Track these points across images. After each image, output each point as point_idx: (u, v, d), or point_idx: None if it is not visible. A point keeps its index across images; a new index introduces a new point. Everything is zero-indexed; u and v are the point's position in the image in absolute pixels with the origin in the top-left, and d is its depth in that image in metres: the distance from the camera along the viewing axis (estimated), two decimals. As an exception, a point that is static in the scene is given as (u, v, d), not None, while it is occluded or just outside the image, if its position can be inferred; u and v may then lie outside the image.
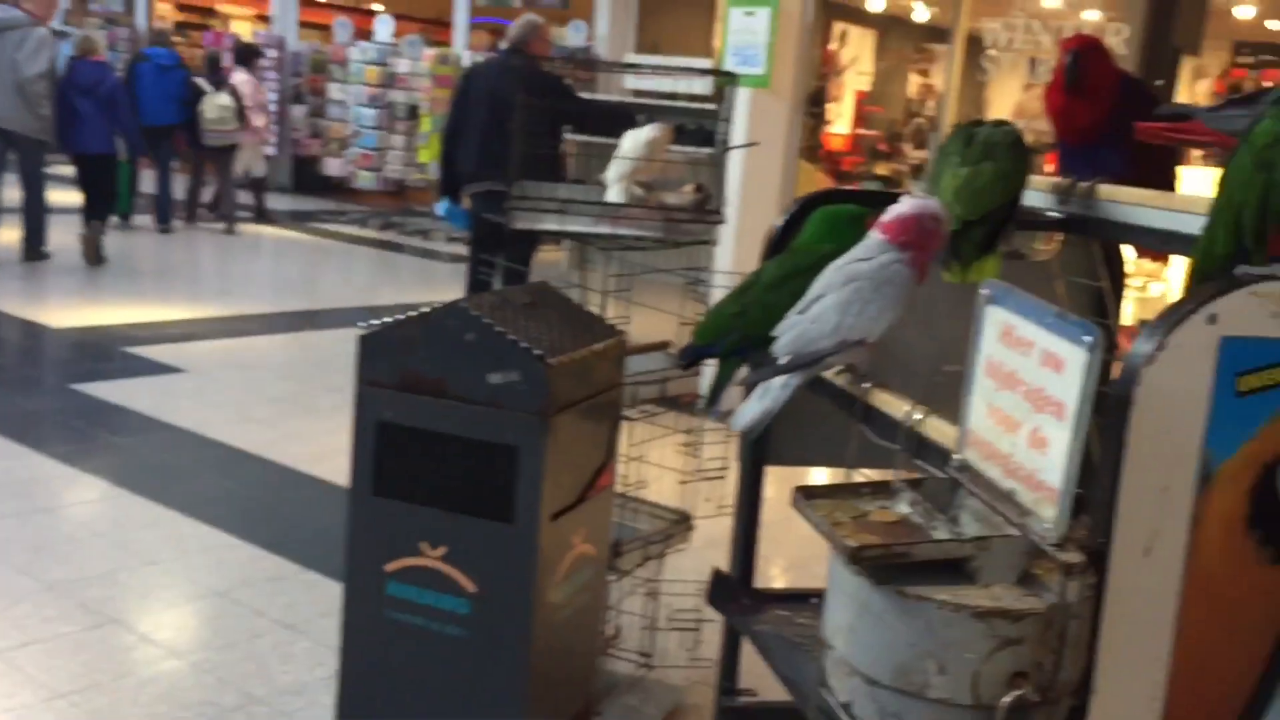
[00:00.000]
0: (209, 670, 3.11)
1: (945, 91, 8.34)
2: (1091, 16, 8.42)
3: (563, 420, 2.53)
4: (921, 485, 1.25)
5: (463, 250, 7.16)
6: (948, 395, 2.05)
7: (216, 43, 14.30)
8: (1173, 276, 5.54)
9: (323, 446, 5.06)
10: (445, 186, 5.96)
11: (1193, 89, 9.89)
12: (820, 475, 4.07)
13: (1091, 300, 1.89)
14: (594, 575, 2.82)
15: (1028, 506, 0.94)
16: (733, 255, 5.33)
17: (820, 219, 1.67)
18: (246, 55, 12.01)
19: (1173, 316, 0.98)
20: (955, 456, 1.03)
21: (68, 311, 7.35)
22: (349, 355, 2.62)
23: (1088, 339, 0.87)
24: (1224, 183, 1.11)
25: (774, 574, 4.15)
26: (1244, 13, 13.38)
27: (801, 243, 1.68)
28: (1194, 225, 1.55)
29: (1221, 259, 1.06)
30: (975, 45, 9.00)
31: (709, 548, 3.21)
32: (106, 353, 6.47)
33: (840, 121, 16.25)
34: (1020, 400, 0.95)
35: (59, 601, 3.42)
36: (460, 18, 13.57)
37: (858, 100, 16.81)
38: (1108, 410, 0.96)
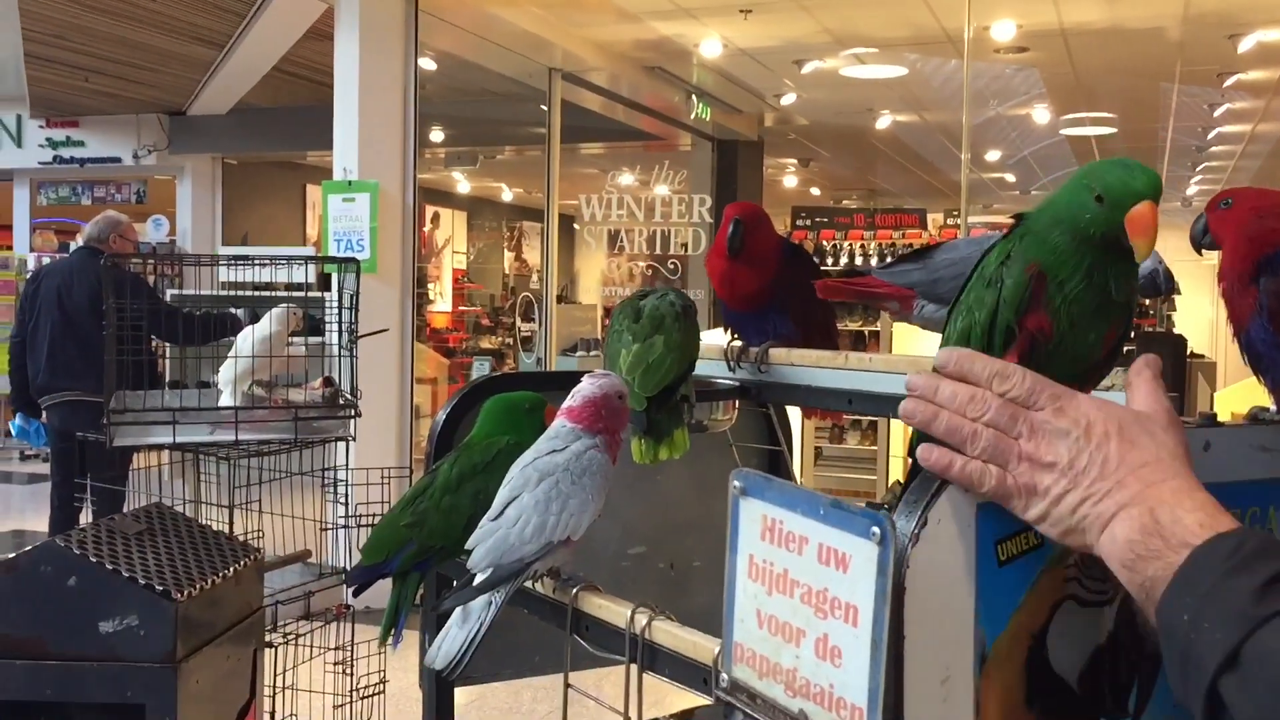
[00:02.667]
0: None
1: (544, 266, 8.60)
2: (663, 191, 9.08)
3: (196, 663, 2.18)
4: (694, 716, 1.12)
5: (42, 469, 6.36)
6: (637, 578, 1.95)
7: None
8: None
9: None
10: (18, 400, 5.33)
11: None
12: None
13: (763, 463, 1.88)
14: (247, 839, 2.42)
15: (827, 729, 0.83)
16: (357, 447, 5.06)
17: (494, 409, 1.53)
18: None
19: (928, 487, 0.91)
20: (723, 675, 0.90)
21: None
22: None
23: (876, 530, 0.77)
24: (955, 313, 1.16)
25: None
26: (790, 182, 15.09)
27: (476, 435, 1.52)
28: (866, 382, 1.56)
29: None
30: (565, 221, 9.43)
31: (375, 775, 2.89)
32: None
33: (441, 300, 16.43)
34: (799, 605, 0.83)
35: None
36: (21, 219, 12.45)
37: (456, 278, 17.11)
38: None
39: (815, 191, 16.29)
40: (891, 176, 14.44)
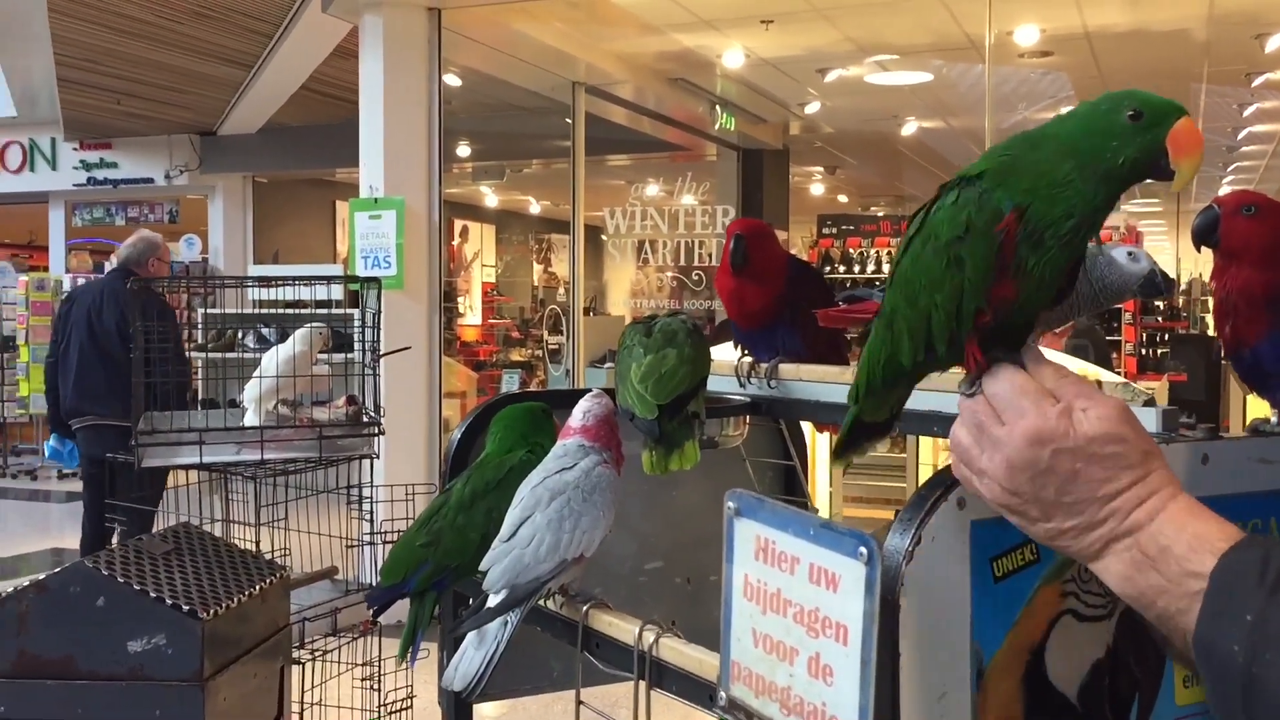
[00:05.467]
0: None
1: (572, 278, 8.63)
2: (691, 201, 9.10)
3: (223, 681, 2.21)
4: None
5: (80, 488, 6.44)
6: (654, 593, 1.96)
7: None
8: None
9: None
10: (53, 421, 5.38)
11: (789, 259, 10.84)
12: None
13: (778, 479, 1.88)
14: None
15: (817, 743, 0.83)
16: (386, 464, 5.10)
17: (504, 422, 1.55)
18: None
19: (922, 505, 0.92)
20: (721, 693, 0.91)
21: None
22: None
23: (863, 550, 0.78)
24: (901, 284, 0.96)
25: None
26: (817, 190, 15.06)
27: (490, 454, 1.55)
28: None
29: (908, 369, 0.97)
30: (592, 232, 9.46)
31: (404, 789, 2.91)
32: None
33: (471, 313, 16.52)
34: (792, 624, 0.84)
35: None
36: (56, 240, 12.64)
37: (485, 292, 17.21)
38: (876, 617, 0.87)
39: (843, 199, 16.27)
40: (918, 182, 14.39)
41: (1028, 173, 0.90)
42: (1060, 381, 0.88)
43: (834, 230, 10.07)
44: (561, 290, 16.63)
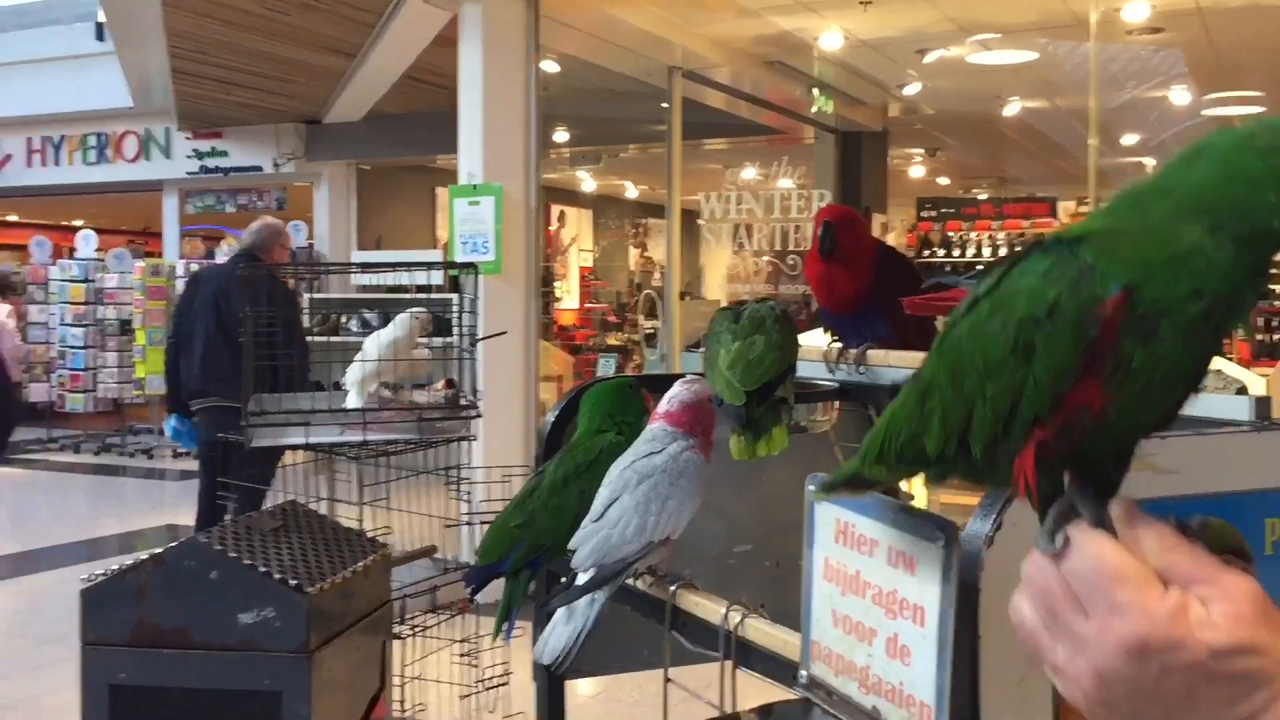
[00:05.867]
0: None
1: (668, 263, 8.66)
2: (788, 184, 9.05)
3: (328, 653, 2.29)
4: (773, 713, 1.16)
5: (193, 466, 6.68)
6: (743, 576, 1.98)
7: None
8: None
9: (45, 710, 4.45)
10: (171, 402, 5.57)
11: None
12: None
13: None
14: (379, 822, 2.53)
15: (896, 724, 0.85)
16: (484, 446, 5.20)
17: (595, 399, 1.59)
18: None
19: (1005, 490, 0.92)
20: (803, 672, 0.93)
21: None
22: (70, 598, 2.29)
23: (940, 534, 0.79)
24: (950, 351, 0.75)
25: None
26: (917, 173, 14.84)
27: (581, 435, 1.59)
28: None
29: (931, 459, 0.77)
30: (689, 217, 9.48)
31: (498, 762, 2.98)
32: None
33: (569, 297, 16.67)
34: (870, 605, 0.86)
35: None
36: (170, 227, 13.10)
37: (583, 276, 17.35)
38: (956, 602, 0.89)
39: (943, 181, 16.00)
40: (1022, 164, 14.08)
41: (1139, 238, 0.68)
42: (1168, 555, 0.64)
43: (933, 213, 9.93)
44: (657, 275, 16.69)
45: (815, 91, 9.47)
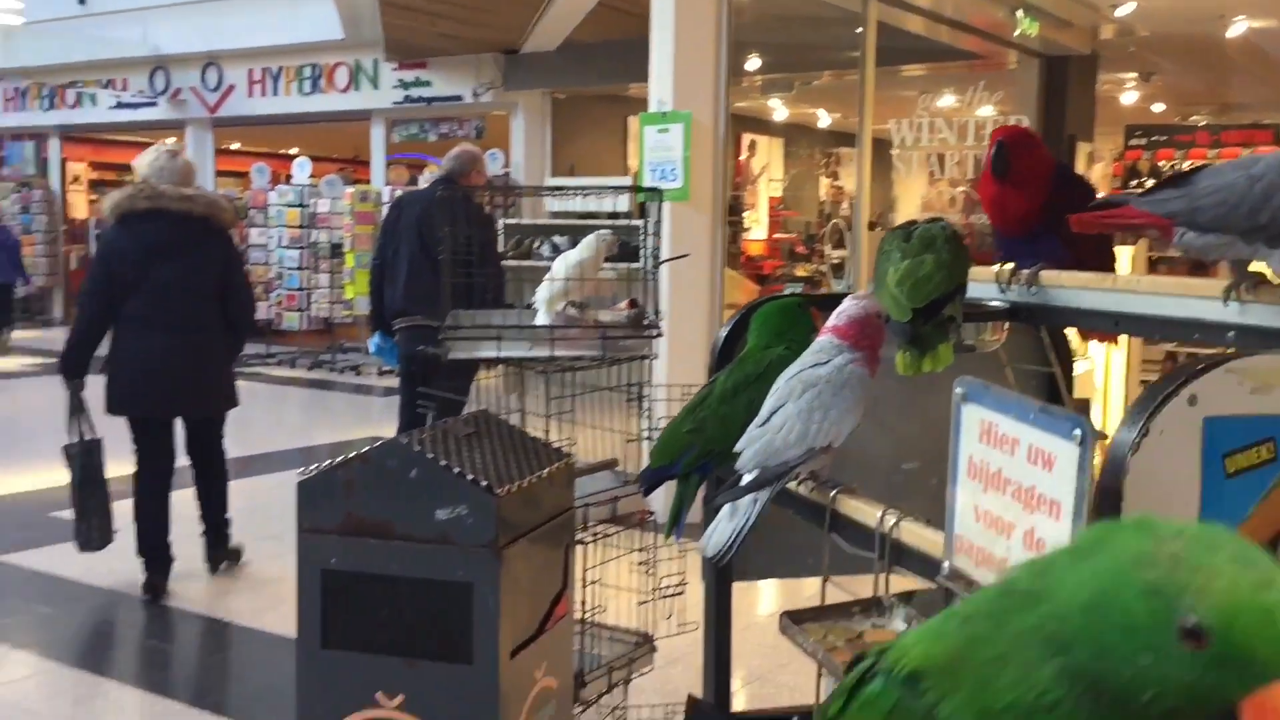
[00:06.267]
0: None
1: (858, 192, 8.54)
2: (988, 112, 8.75)
3: (515, 551, 2.45)
4: (914, 599, 1.21)
5: (396, 383, 7.07)
6: (908, 492, 2.02)
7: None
8: (1099, 354, 5.64)
9: (266, 598, 4.87)
10: (375, 321, 5.88)
11: (1089, 172, 10.27)
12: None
13: (1042, 385, 1.89)
14: (558, 709, 2.70)
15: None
16: (668, 367, 5.32)
17: (765, 317, 1.65)
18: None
19: (1152, 400, 0.95)
20: (945, 564, 0.99)
21: (-13, 479, 7.09)
22: (287, 500, 2.52)
23: (1077, 433, 0.83)
24: None
25: (735, 687, 4.04)
26: (1129, 99, 14.05)
27: (750, 349, 1.65)
28: (1133, 304, 1.56)
29: None
30: (881, 146, 9.29)
31: (671, 666, 3.12)
32: (33, 519, 6.22)
33: (757, 228, 16.60)
34: (1010, 501, 0.91)
35: (-12, 792, 3.20)
36: (377, 155, 13.70)
37: (772, 206, 17.22)
38: (1096, 506, 0.92)
39: (1158, 108, 15.10)
40: (1247, 89, 13.14)
41: (984, 671, 0.55)
42: None
43: (1143, 142, 9.44)
44: (845, 204, 16.43)
45: (1020, 14, 9.08)
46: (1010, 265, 1.73)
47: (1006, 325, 1.76)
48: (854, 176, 11.26)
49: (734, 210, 12.53)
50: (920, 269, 1.54)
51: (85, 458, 4.81)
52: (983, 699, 0.54)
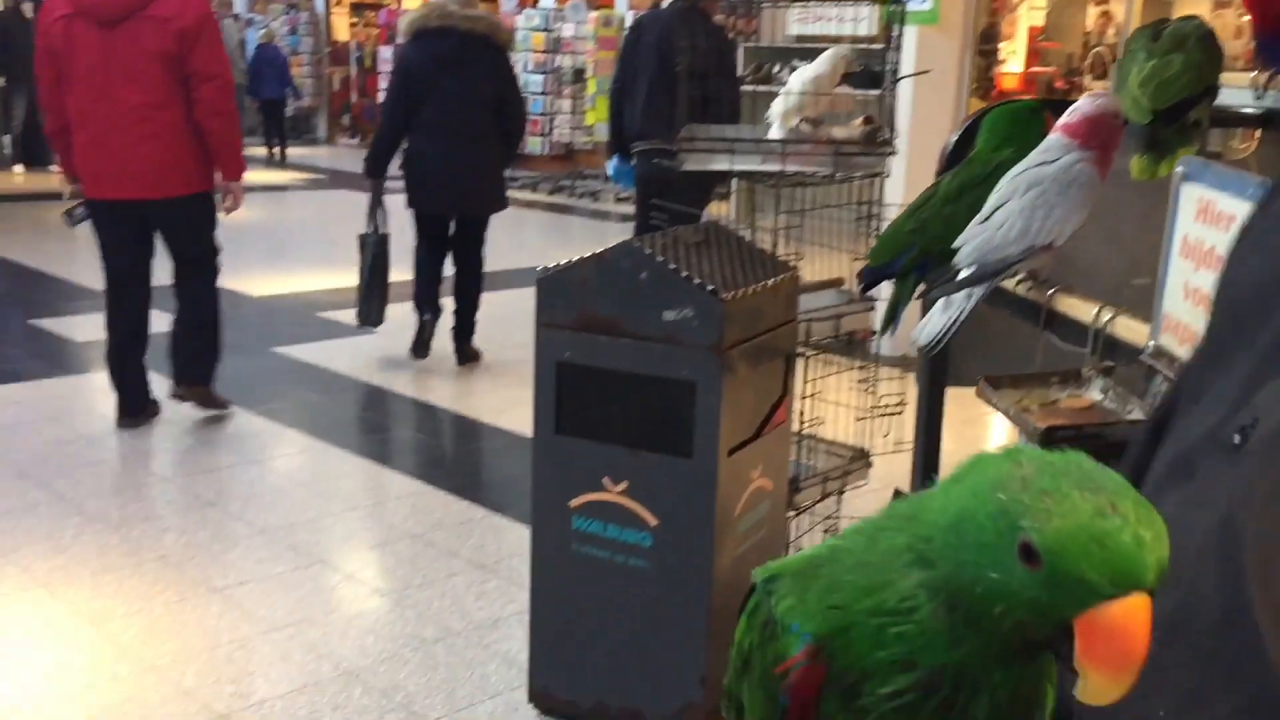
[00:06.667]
0: (410, 606, 3.27)
1: (1126, 19, 7.93)
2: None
3: (738, 355, 2.55)
4: (1113, 372, 1.22)
5: (632, 210, 7.22)
6: (1136, 307, 1.98)
7: (390, 21, 14.82)
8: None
9: (506, 399, 5.23)
10: (614, 145, 5.97)
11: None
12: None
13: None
14: (772, 509, 2.84)
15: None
16: (904, 193, 5.22)
17: (996, 118, 1.63)
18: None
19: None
20: (1150, 343, 1.00)
21: (265, 281, 7.76)
22: (526, 314, 2.69)
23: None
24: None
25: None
26: None
27: (979, 151, 1.64)
28: None
29: None
30: (1159, -33, 8.52)
31: (887, 487, 3.19)
32: (303, 318, 6.81)
33: (1014, 60, 15.66)
34: (1220, 278, 0.91)
35: (270, 545, 3.65)
36: (620, -23, 13.62)
37: (1031, 37, 16.16)
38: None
39: None
40: None
41: (840, 578, 0.57)
42: None
43: None
44: (1111, 33, 15.24)
45: None
46: (1269, 70, 1.63)
47: (1258, 133, 1.67)
48: (1123, 2, 10.41)
49: (988, 39, 11.86)
50: (1167, 69, 1.47)
51: (377, 247, 5.63)
52: (831, 599, 0.57)
